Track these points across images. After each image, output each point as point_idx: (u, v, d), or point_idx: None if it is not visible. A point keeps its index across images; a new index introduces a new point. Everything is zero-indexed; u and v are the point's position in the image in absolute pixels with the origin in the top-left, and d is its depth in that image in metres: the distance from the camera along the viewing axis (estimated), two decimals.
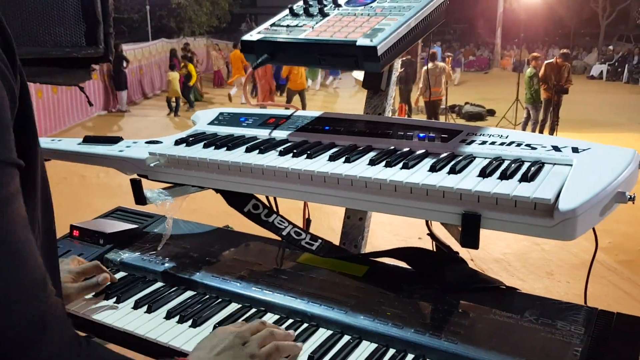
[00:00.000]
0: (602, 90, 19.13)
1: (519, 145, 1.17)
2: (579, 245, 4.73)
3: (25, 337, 0.62)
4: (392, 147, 1.26)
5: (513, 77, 13.78)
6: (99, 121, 12.77)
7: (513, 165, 1.08)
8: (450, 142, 1.24)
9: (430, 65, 10.77)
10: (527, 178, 1.02)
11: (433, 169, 1.10)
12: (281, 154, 1.27)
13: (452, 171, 1.08)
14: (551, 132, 10.34)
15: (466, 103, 13.35)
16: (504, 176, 1.03)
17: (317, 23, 1.37)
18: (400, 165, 1.14)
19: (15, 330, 0.61)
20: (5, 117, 0.66)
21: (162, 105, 14.27)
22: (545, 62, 10.54)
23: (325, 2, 1.48)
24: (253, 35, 1.39)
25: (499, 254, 4.82)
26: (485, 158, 1.15)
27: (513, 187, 0.99)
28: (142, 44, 17.83)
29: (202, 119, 1.56)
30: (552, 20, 27.68)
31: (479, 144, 1.20)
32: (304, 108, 11.90)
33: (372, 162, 1.17)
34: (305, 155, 1.24)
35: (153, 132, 11.27)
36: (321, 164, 1.19)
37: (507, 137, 1.21)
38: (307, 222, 1.63)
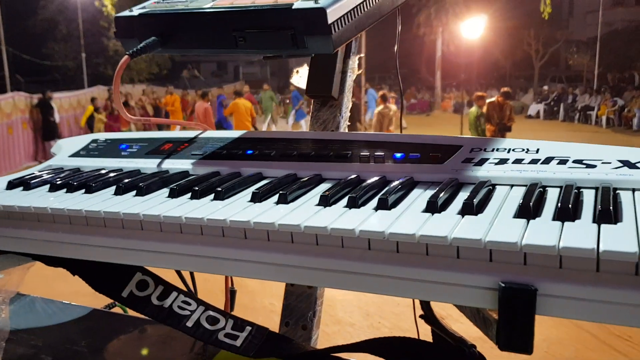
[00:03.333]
0: (540, 129, 19.69)
1: (563, 162, 0.71)
2: None
3: None
4: (354, 176, 0.78)
5: (454, 119, 13.86)
6: None
7: (569, 195, 0.62)
8: (447, 163, 0.77)
9: (381, 107, 10.61)
10: (609, 216, 0.55)
11: (432, 207, 0.62)
12: (173, 194, 0.76)
13: (468, 210, 0.60)
14: None
15: None
16: (565, 214, 0.57)
17: None
18: (375, 203, 0.66)
19: None
20: None
21: None
22: (487, 101, 10.59)
23: None
24: (134, 10, 0.90)
25: None
26: (514, 186, 0.69)
27: (592, 235, 0.52)
28: (77, 91, 17.05)
29: (65, 150, 1.04)
30: (488, 63, 28.80)
31: (496, 163, 0.74)
32: None
33: (325, 201, 0.68)
34: (212, 195, 0.74)
35: None
36: (239, 207, 0.69)
37: (537, 151, 0.75)
38: (231, 294, 1.12)
